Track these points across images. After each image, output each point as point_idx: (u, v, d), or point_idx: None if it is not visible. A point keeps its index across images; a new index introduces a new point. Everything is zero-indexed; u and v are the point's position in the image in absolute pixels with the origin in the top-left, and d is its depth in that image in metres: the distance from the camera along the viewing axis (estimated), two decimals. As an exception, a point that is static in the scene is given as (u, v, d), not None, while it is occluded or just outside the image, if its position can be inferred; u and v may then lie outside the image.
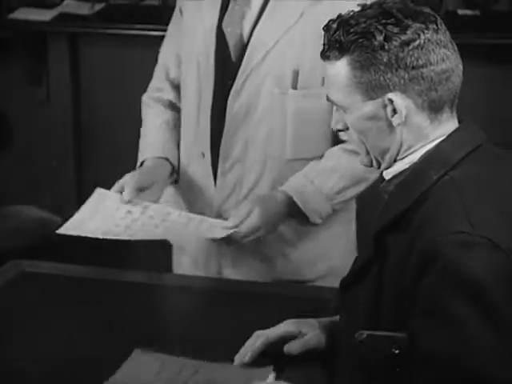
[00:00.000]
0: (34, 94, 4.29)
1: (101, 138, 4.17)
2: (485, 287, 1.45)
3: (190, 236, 2.11)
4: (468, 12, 3.77)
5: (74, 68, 4.25)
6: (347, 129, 1.64)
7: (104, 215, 2.03)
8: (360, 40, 1.54)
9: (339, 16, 1.59)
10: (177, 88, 2.33)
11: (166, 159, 2.27)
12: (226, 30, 2.15)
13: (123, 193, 2.09)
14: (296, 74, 2.11)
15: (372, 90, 1.56)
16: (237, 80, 2.14)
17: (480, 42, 3.67)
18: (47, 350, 1.90)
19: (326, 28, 1.60)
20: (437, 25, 1.57)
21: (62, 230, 1.98)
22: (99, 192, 2.07)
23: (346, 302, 1.72)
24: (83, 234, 1.99)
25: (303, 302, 2.03)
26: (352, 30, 1.55)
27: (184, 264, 2.36)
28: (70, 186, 4.30)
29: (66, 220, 2.14)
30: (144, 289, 2.18)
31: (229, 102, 2.15)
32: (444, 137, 1.59)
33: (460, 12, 3.78)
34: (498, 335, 1.45)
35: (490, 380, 1.45)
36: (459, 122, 1.63)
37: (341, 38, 1.56)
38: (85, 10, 4.11)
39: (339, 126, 1.66)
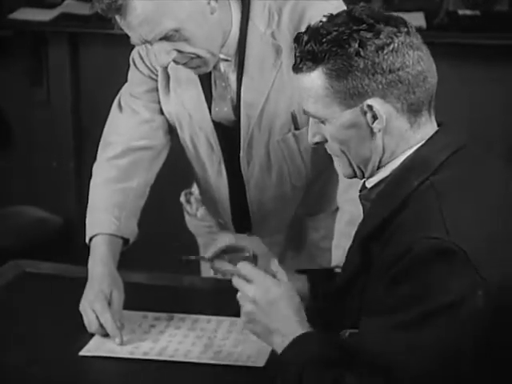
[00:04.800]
0: (34, 94, 4.29)
1: (101, 139, 4.17)
2: (444, 296, 1.44)
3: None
4: (468, 12, 3.77)
5: (74, 68, 4.25)
6: (326, 141, 1.62)
7: (126, 332, 1.94)
8: (334, 48, 1.52)
9: (308, 27, 1.57)
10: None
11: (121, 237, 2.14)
12: (215, 109, 2.12)
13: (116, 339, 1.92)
14: (294, 117, 2.08)
15: (350, 98, 1.54)
16: (242, 146, 2.13)
17: (480, 43, 3.66)
18: (47, 350, 1.90)
19: (297, 40, 1.58)
20: (407, 27, 1.56)
21: (83, 352, 1.87)
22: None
23: (334, 313, 1.71)
24: (108, 355, 1.87)
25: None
26: (324, 40, 1.53)
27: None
28: (69, 186, 4.30)
29: (65, 220, 2.14)
30: (144, 289, 2.18)
31: (243, 173, 2.16)
32: (424, 141, 1.58)
33: (460, 12, 3.77)
34: (437, 342, 1.45)
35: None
36: (438, 124, 1.62)
37: (313, 48, 1.54)
38: (85, 10, 4.10)
39: (317, 139, 1.64)
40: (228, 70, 2.07)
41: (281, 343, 1.61)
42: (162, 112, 2.21)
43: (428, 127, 1.59)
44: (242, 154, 2.14)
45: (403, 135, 1.57)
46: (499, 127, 3.72)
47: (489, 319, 1.46)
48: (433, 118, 1.61)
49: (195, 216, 2.45)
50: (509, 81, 3.68)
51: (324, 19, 1.58)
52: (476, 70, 3.67)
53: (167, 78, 2.14)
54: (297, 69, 1.59)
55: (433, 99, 1.59)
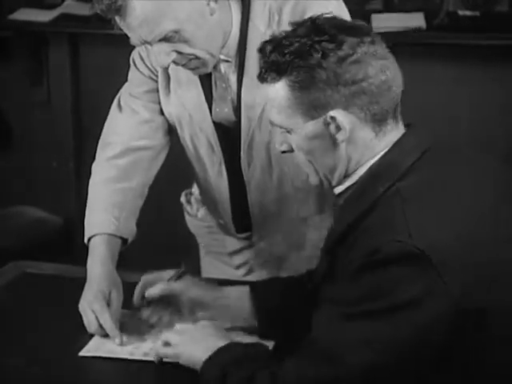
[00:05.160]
0: (35, 94, 4.29)
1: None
2: (402, 294, 1.44)
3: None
4: (468, 13, 3.77)
5: (75, 68, 4.25)
6: (292, 150, 1.63)
7: (127, 332, 1.93)
8: (296, 60, 1.53)
9: (273, 37, 1.58)
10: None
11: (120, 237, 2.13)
12: (215, 110, 2.12)
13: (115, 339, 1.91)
14: None
15: (314, 110, 1.54)
16: (242, 148, 2.13)
17: (480, 43, 3.67)
18: (47, 350, 1.90)
19: (261, 50, 1.58)
20: (371, 37, 1.55)
21: (83, 352, 1.86)
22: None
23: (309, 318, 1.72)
24: (108, 355, 1.86)
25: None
26: (287, 51, 1.53)
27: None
28: (69, 186, 4.30)
29: (65, 220, 2.13)
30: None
31: (244, 174, 2.16)
32: (389, 147, 1.58)
33: (460, 13, 3.77)
34: (394, 333, 1.45)
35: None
36: (406, 126, 1.61)
37: (277, 59, 1.54)
38: (85, 10, 4.11)
39: (284, 148, 1.65)
40: (228, 70, 2.07)
41: (204, 355, 1.68)
42: (161, 112, 2.21)
43: (394, 134, 1.59)
44: (242, 155, 2.14)
45: (368, 144, 1.58)
46: (498, 128, 3.72)
47: (452, 323, 1.45)
48: (399, 124, 1.61)
49: (196, 216, 2.45)
50: (508, 81, 3.68)
51: (289, 28, 1.58)
52: (475, 71, 3.67)
53: (167, 78, 2.15)
54: (262, 79, 1.60)
55: (399, 106, 1.59)
